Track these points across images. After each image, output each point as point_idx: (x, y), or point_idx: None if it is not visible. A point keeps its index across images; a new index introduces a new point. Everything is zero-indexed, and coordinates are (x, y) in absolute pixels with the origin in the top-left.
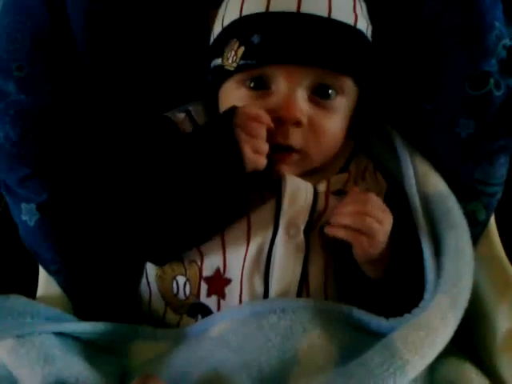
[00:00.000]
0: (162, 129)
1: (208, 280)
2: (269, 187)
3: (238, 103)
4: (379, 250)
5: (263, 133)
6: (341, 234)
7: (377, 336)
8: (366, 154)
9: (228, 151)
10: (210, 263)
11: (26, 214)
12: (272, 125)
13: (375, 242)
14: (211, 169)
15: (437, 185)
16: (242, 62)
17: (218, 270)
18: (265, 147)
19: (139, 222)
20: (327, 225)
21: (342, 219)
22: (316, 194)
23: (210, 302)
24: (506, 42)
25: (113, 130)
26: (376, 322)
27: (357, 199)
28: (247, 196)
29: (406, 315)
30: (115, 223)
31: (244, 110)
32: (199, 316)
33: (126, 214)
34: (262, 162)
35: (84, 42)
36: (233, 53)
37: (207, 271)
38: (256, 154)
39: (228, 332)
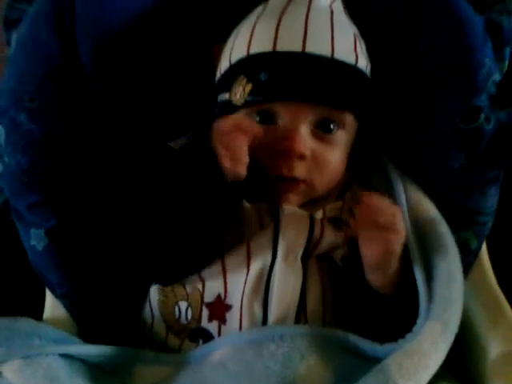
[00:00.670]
0: (162, 157)
1: (209, 306)
2: (267, 215)
3: None
4: (395, 257)
5: (239, 143)
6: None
7: (372, 361)
8: (361, 183)
9: (207, 167)
10: (211, 289)
11: (35, 239)
12: (258, 129)
13: (390, 250)
14: (197, 185)
15: (429, 211)
16: (249, 97)
17: (219, 296)
18: (242, 157)
19: (141, 243)
20: (351, 217)
21: (372, 215)
22: (312, 222)
23: (211, 327)
24: (496, 77)
25: (117, 157)
26: (371, 347)
27: (382, 203)
28: (236, 205)
29: (400, 340)
30: (120, 246)
31: (218, 125)
32: (200, 340)
33: (128, 236)
34: (241, 170)
35: (91, 68)
36: (240, 89)
37: (208, 297)
38: (234, 165)
39: (228, 359)
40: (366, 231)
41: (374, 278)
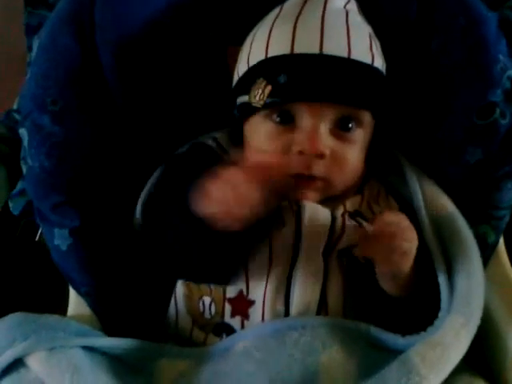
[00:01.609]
0: (204, 155)
1: (232, 301)
2: (289, 212)
3: (265, 136)
4: (407, 267)
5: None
6: (371, 252)
7: (393, 353)
8: (378, 180)
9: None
10: (234, 285)
11: (59, 239)
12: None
13: (406, 260)
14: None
15: (446, 206)
16: (268, 99)
17: (241, 291)
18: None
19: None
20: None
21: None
22: (334, 218)
23: (234, 322)
24: (511, 73)
25: (141, 160)
26: (393, 339)
27: (387, 221)
28: (266, 235)
29: (422, 333)
30: (146, 248)
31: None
32: (224, 335)
33: (157, 240)
34: (234, 226)
35: (112, 71)
36: (260, 91)
37: (231, 293)
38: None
39: (252, 348)
40: (379, 250)
41: (387, 286)
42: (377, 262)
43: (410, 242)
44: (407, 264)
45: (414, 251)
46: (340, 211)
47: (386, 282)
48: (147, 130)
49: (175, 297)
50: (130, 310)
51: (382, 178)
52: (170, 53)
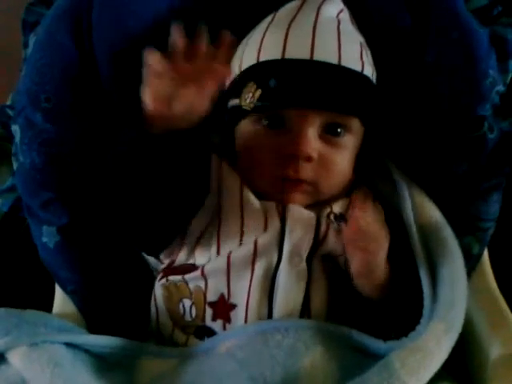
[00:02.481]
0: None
1: (212, 305)
2: (274, 214)
3: (254, 139)
4: (378, 265)
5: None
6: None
7: (375, 357)
8: (367, 186)
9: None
10: (214, 288)
11: (47, 236)
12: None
13: (374, 259)
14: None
15: (434, 215)
16: (258, 103)
17: (222, 295)
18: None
19: (130, 212)
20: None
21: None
22: (318, 223)
23: (216, 325)
24: (500, 88)
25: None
26: (375, 343)
27: (357, 216)
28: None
29: (404, 339)
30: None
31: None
32: (205, 338)
33: (122, 210)
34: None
35: (107, 71)
36: (250, 95)
37: (211, 296)
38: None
39: (234, 348)
40: (350, 242)
41: (361, 285)
42: (349, 261)
43: (376, 241)
44: (376, 262)
45: (382, 251)
46: (325, 213)
47: (360, 281)
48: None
49: (155, 298)
50: (116, 309)
51: (371, 185)
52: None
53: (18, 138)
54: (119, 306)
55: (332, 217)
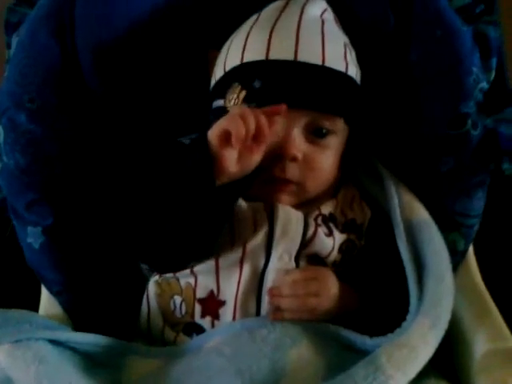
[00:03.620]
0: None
1: (202, 301)
2: (263, 214)
3: None
4: (331, 307)
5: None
6: (287, 316)
7: (361, 353)
8: (354, 185)
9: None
10: (204, 285)
11: (32, 237)
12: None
13: (317, 312)
14: (189, 181)
15: (420, 213)
16: (243, 104)
17: (211, 292)
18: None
19: (141, 233)
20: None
21: (281, 303)
22: (306, 223)
23: (204, 322)
24: (483, 85)
25: (116, 156)
26: (361, 339)
27: (291, 280)
28: (230, 205)
29: (390, 335)
30: (119, 238)
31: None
32: (194, 335)
33: (129, 226)
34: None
35: (91, 71)
36: (235, 96)
37: (200, 293)
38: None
39: (222, 345)
40: (292, 313)
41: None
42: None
43: (318, 295)
44: (328, 307)
45: (326, 293)
46: (313, 215)
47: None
48: (125, 131)
49: (147, 295)
50: (102, 310)
51: (357, 184)
52: (151, 55)
53: (1, 139)
54: (105, 307)
55: (320, 219)
